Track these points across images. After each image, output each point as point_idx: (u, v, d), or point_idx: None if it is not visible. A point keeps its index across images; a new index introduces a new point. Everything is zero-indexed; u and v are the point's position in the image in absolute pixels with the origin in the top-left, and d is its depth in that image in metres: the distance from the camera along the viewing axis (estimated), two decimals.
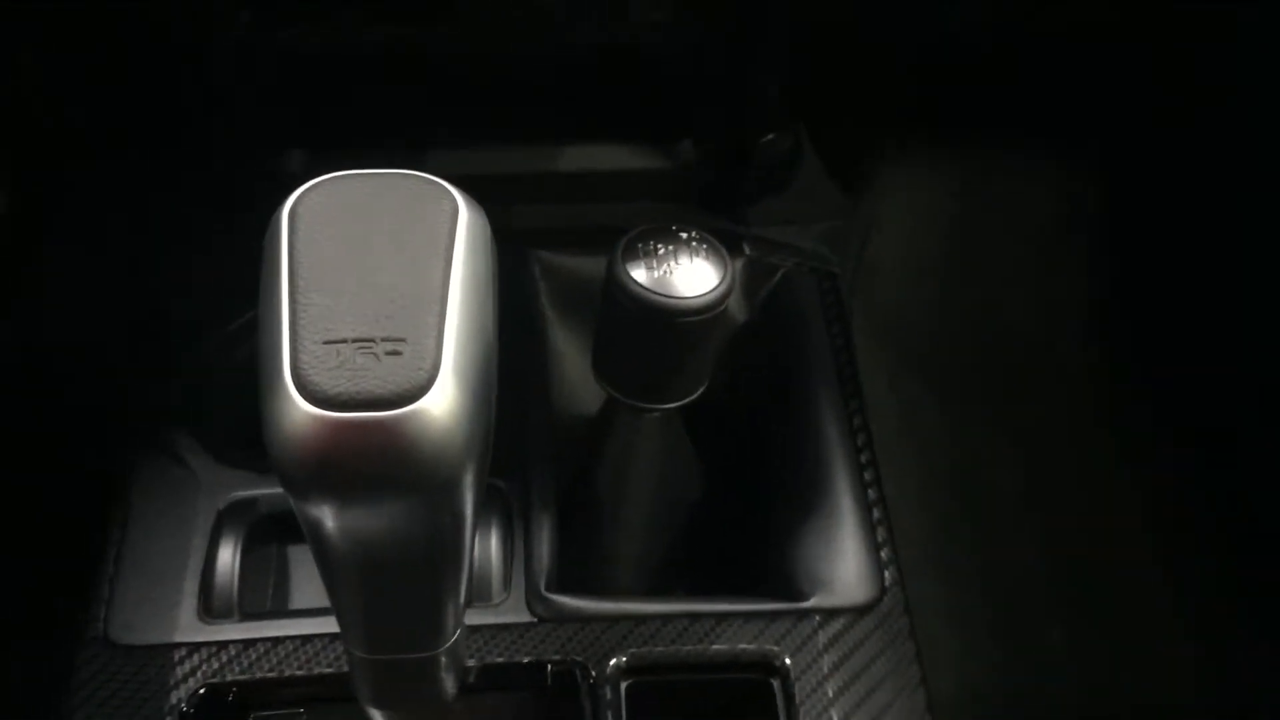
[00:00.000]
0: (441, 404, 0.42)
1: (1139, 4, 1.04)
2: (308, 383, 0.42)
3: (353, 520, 0.47)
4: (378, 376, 0.42)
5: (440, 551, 0.52)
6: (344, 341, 0.43)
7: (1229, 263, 1.09)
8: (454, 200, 0.47)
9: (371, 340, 0.43)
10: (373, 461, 0.43)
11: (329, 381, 0.42)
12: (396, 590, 0.54)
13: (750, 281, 1.13)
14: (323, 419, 0.42)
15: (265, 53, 1.02)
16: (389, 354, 0.43)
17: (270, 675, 0.86)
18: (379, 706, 0.67)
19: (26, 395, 1.01)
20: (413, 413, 0.42)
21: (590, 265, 1.09)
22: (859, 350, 1.11)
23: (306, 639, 0.88)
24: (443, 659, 0.62)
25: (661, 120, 1.17)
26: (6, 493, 0.98)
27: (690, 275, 0.77)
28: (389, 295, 0.44)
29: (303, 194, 0.47)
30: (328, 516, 0.46)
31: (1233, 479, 1.03)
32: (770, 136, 1.16)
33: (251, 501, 0.96)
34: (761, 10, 1.05)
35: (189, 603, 0.90)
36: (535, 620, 0.89)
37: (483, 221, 0.48)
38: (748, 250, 1.13)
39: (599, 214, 1.17)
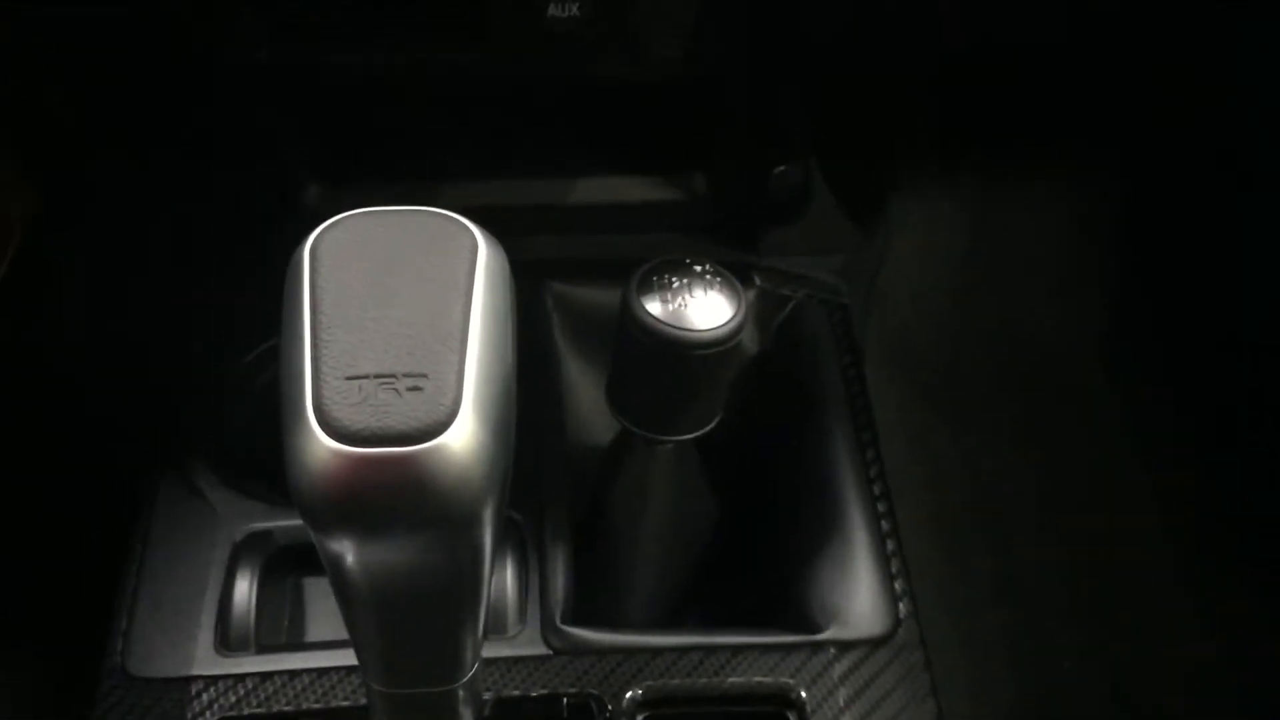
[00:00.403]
0: (462, 439, 0.43)
1: (1142, 22, 1.05)
2: (330, 418, 0.43)
3: (373, 554, 0.47)
4: (399, 412, 0.43)
5: (460, 585, 0.52)
6: (366, 377, 0.43)
7: (1248, 282, 1.08)
8: (473, 237, 0.48)
9: (393, 376, 0.43)
10: (394, 496, 0.43)
11: (351, 417, 0.42)
12: (416, 624, 0.54)
13: (762, 313, 1.13)
14: (345, 454, 0.42)
15: (283, 83, 1.04)
16: (410, 390, 0.43)
17: (287, 709, 0.87)
18: None
19: (44, 426, 1.02)
20: (434, 448, 0.42)
21: (603, 297, 1.09)
22: (871, 381, 1.11)
23: (323, 672, 0.88)
24: (461, 693, 0.62)
25: (674, 153, 1.17)
26: (25, 523, 0.99)
27: (704, 308, 0.78)
28: (410, 331, 0.44)
29: (324, 231, 0.47)
30: (349, 550, 0.47)
31: (1253, 493, 1.02)
32: (782, 169, 1.17)
33: (268, 533, 0.96)
34: (774, 46, 1.06)
35: (206, 635, 0.90)
36: (551, 653, 0.89)
37: (501, 258, 0.49)
38: (759, 281, 1.13)
39: (611, 246, 1.17)
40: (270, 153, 1.11)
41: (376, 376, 0.43)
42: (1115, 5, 1.04)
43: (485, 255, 0.47)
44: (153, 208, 1.12)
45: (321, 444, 0.42)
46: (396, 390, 0.43)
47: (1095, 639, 1.09)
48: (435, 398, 0.43)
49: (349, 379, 0.43)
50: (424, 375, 0.44)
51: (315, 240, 0.47)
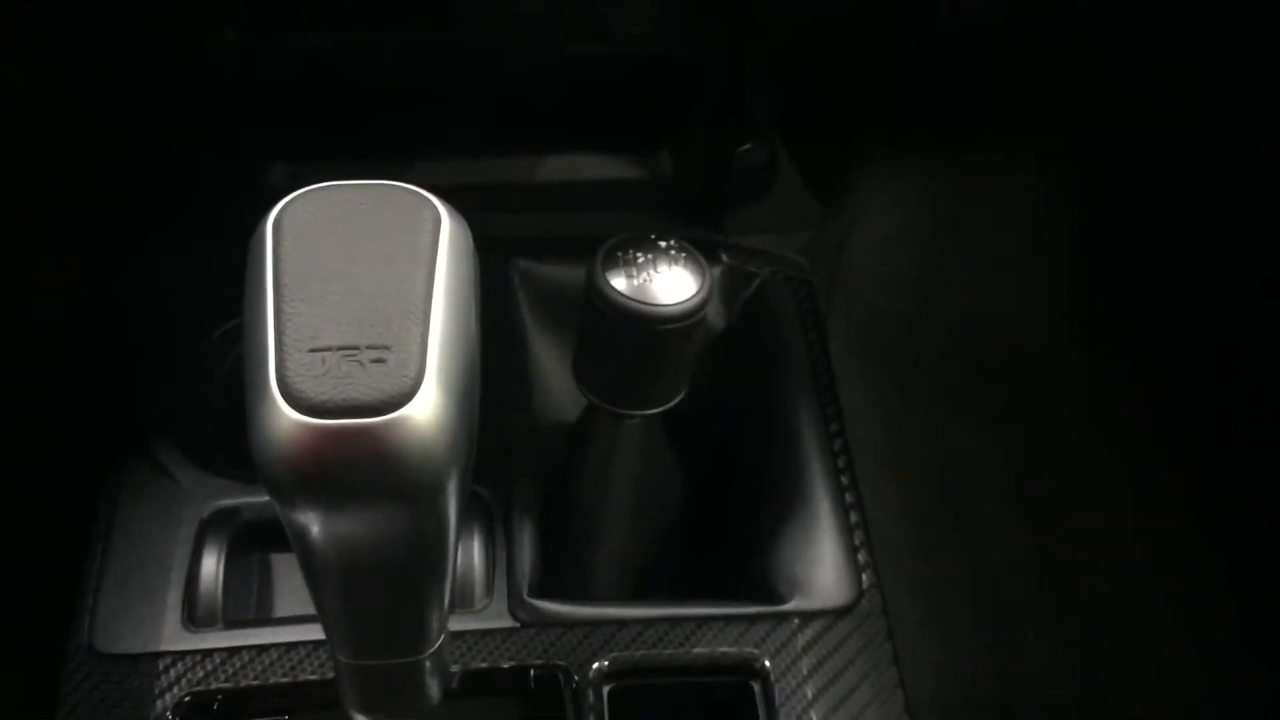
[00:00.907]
0: (426, 410, 0.43)
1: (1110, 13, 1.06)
2: (293, 390, 0.43)
3: (338, 526, 0.48)
4: (363, 384, 0.43)
5: (424, 556, 0.52)
6: (329, 349, 0.44)
7: (1217, 259, 1.10)
8: (436, 210, 0.48)
9: (356, 348, 0.44)
10: (358, 467, 0.43)
11: (314, 389, 0.43)
12: (381, 595, 0.55)
13: (728, 289, 1.14)
14: (308, 426, 0.42)
15: (250, 65, 1.03)
16: (374, 361, 0.43)
17: (255, 683, 0.87)
18: (364, 712, 0.68)
19: (9, 405, 1.01)
20: (397, 419, 0.43)
21: (569, 274, 1.10)
22: (835, 357, 1.12)
23: (291, 646, 0.88)
24: (427, 664, 0.62)
25: (639, 131, 1.18)
26: None
27: (669, 283, 0.78)
28: (373, 304, 0.45)
29: (287, 204, 0.48)
30: (313, 522, 0.47)
31: (1224, 476, 1.04)
32: (747, 146, 1.17)
33: (234, 510, 0.96)
34: (741, 24, 1.06)
35: (173, 612, 0.90)
36: (518, 625, 0.90)
37: (464, 231, 0.49)
38: (725, 259, 1.14)
39: (578, 224, 1.17)
40: (234, 132, 1.10)
41: (340, 348, 0.44)
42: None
43: (448, 228, 0.48)
44: (115, 189, 1.11)
45: (285, 416, 0.43)
46: (360, 362, 0.43)
47: (1058, 612, 1.11)
48: (398, 369, 0.43)
49: (312, 351, 0.44)
50: (387, 347, 0.44)
51: (278, 214, 0.47)
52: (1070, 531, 1.13)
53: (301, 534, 0.48)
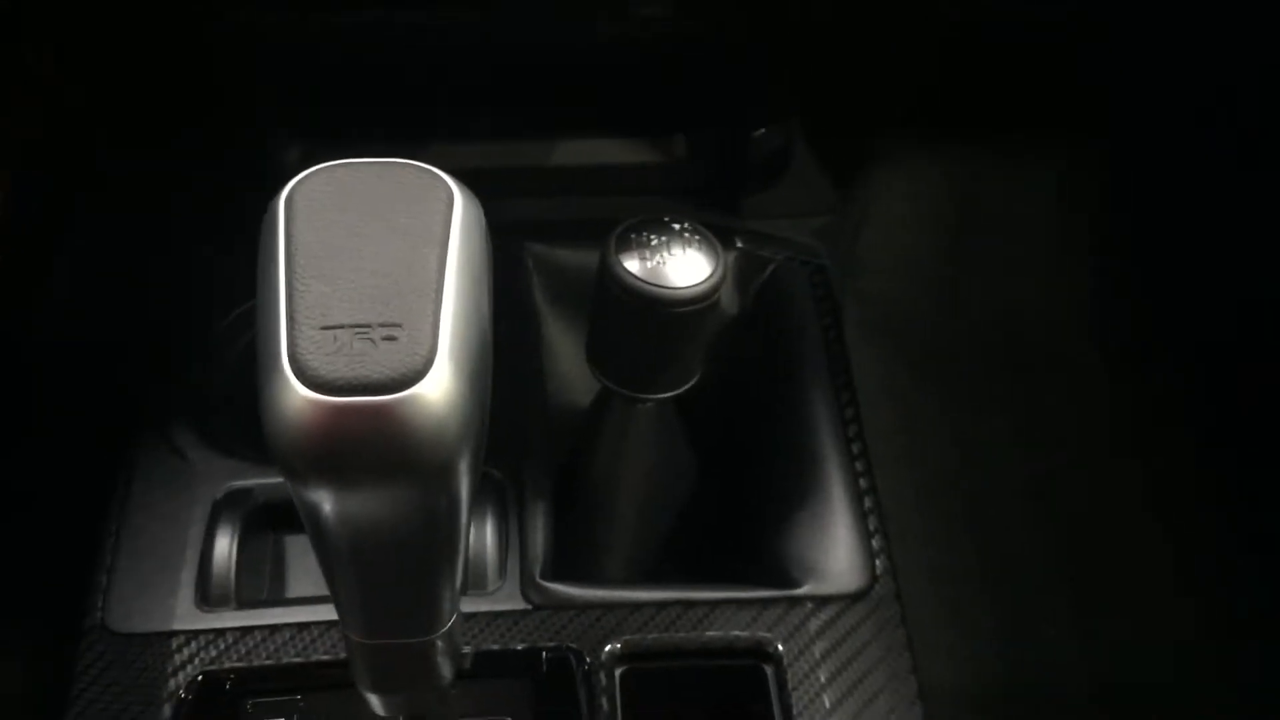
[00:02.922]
0: (438, 388, 0.43)
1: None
2: (305, 368, 0.43)
3: (350, 504, 0.48)
4: (374, 361, 0.43)
5: (436, 534, 0.52)
6: (341, 327, 0.44)
7: (1232, 252, 1.09)
8: (449, 189, 0.48)
9: (368, 326, 0.44)
10: (370, 445, 0.43)
11: (326, 366, 0.43)
12: (393, 574, 0.55)
13: (742, 274, 1.13)
14: (320, 403, 0.42)
15: (264, 42, 1.03)
16: (385, 339, 0.43)
17: (267, 662, 0.87)
18: (376, 692, 0.68)
19: (24, 384, 1.01)
20: (409, 397, 0.43)
21: (582, 258, 1.10)
22: (850, 343, 1.11)
23: (303, 626, 0.88)
24: (439, 644, 0.62)
25: (655, 114, 1.17)
26: (3, 482, 0.98)
27: (683, 266, 0.78)
28: (385, 281, 0.45)
29: (299, 182, 0.47)
30: (325, 500, 0.47)
31: (1242, 467, 1.03)
32: (763, 131, 1.17)
33: (247, 491, 0.96)
34: (758, 7, 1.05)
35: (186, 591, 0.91)
36: (530, 607, 0.90)
37: (477, 210, 0.49)
38: (740, 243, 1.14)
39: (591, 207, 1.17)
40: (249, 113, 1.10)
41: (352, 326, 0.44)
42: None
43: (461, 207, 0.47)
44: (134, 171, 1.11)
45: (297, 393, 0.43)
46: (372, 340, 0.43)
47: (1072, 601, 1.11)
48: (410, 347, 0.43)
49: (324, 329, 0.43)
50: (399, 325, 0.44)
51: (290, 191, 0.47)
52: (1085, 521, 1.13)
53: (313, 512, 0.48)
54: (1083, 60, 1.12)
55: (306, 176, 0.48)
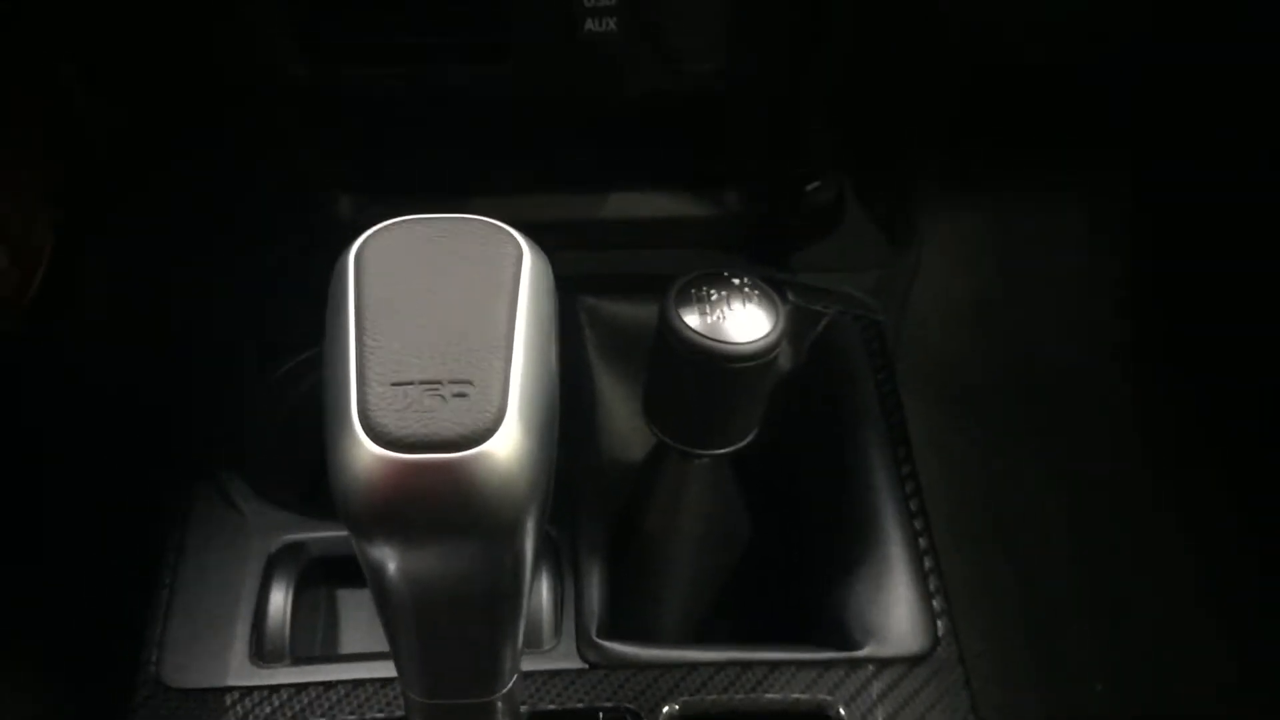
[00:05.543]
0: (507, 446, 0.43)
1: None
2: (375, 424, 0.43)
3: (416, 562, 0.47)
4: (445, 418, 0.43)
5: (501, 593, 0.52)
6: (411, 383, 0.43)
7: (1269, 287, 1.08)
8: (518, 244, 0.48)
9: (438, 382, 0.43)
10: (439, 503, 0.43)
11: (396, 423, 0.42)
12: (456, 633, 0.54)
13: (796, 329, 1.13)
14: (390, 460, 0.42)
15: (318, 98, 1.04)
16: (455, 396, 0.43)
17: None
18: None
19: (80, 436, 1.02)
20: (479, 455, 0.42)
21: (635, 312, 1.10)
22: (904, 397, 1.10)
23: (358, 683, 0.88)
24: (500, 704, 0.61)
25: (706, 168, 1.18)
26: (61, 533, 0.99)
27: (742, 321, 0.77)
28: (455, 338, 0.44)
29: (369, 237, 0.48)
30: (391, 558, 0.47)
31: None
32: (815, 184, 1.17)
33: (302, 545, 0.96)
34: (811, 61, 1.06)
35: (240, 646, 0.90)
36: (586, 666, 0.89)
37: (545, 266, 0.49)
38: (792, 298, 1.13)
39: (643, 261, 1.17)
40: (298, 166, 1.12)
41: (422, 383, 0.43)
42: (1123, 23, 1.04)
43: (530, 262, 0.47)
44: (178, 222, 1.12)
45: (367, 450, 0.42)
46: (442, 396, 0.43)
47: (1125, 656, 1.08)
48: (480, 404, 0.43)
49: (394, 385, 0.43)
50: (469, 382, 0.44)
51: (360, 246, 0.47)
52: (1137, 575, 1.11)
53: (379, 569, 0.48)
54: (1112, 104, 1.12)
55: (376, 232, 0.48)
